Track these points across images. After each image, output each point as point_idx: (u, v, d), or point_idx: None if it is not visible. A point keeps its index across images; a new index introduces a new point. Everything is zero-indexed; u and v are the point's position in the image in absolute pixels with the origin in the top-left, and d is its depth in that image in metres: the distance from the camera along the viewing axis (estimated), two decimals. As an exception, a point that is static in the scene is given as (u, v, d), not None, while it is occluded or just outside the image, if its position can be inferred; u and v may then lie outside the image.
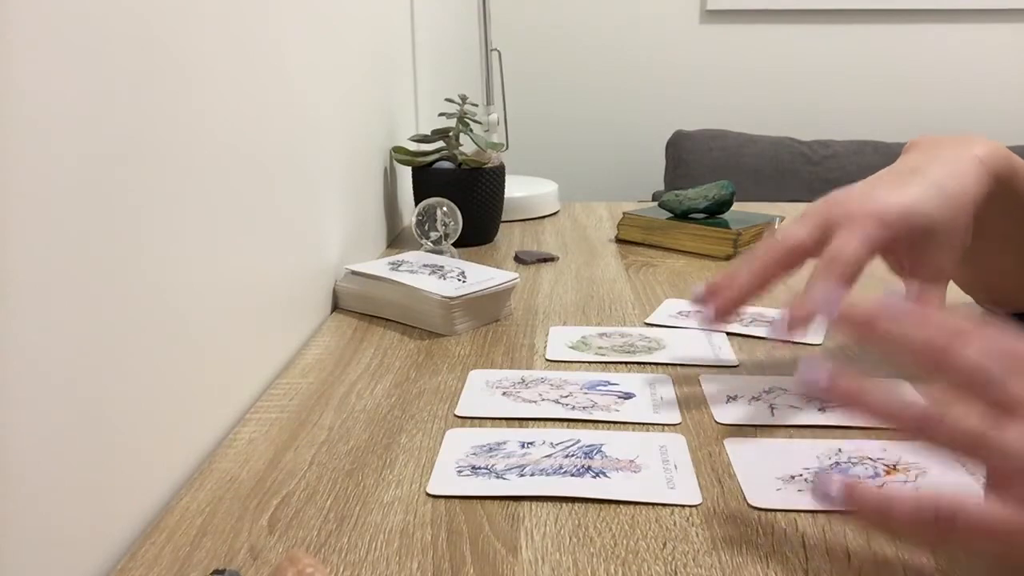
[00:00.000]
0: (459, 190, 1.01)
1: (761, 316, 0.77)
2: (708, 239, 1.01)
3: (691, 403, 0.59)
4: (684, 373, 0.65)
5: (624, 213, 1.08)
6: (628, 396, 0.60)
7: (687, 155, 2.34)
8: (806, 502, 0.46)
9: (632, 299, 0.84)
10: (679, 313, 0.79)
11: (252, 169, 0.61)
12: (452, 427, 0.56)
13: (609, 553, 0.42)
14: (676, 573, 0.40)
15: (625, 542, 0.43)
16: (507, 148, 1.23)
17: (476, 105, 1.11)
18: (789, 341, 0.44)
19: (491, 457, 0.51)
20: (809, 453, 0.52)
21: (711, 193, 1.05)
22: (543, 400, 0.59)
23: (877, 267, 0.56)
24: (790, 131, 2.53)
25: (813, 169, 2.29)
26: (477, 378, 0.64)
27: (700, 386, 0.62)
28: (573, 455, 0.51)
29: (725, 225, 1.01)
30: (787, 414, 0.57)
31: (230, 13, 0.57)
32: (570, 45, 2.54)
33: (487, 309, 0.76)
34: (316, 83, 0.77)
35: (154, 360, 0.47)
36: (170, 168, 0.48)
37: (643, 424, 0.56)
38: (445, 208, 0.92)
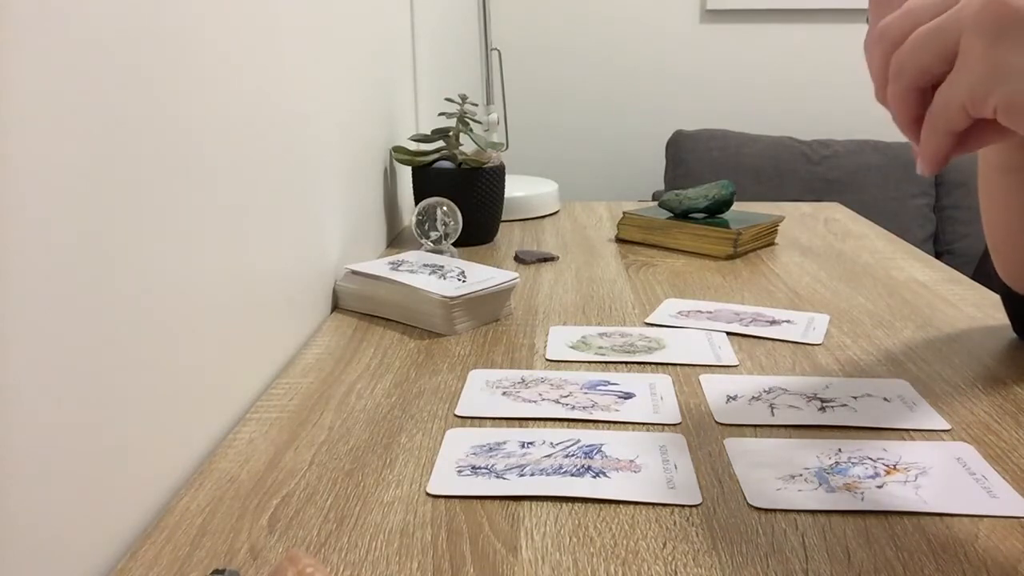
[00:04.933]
0: (459, 190, 1.01)
1: (761, 316, 0.77)
2: (708, 239, 1.01)
3: (691, 403, 0.59)
4: (684, 373, 0.65)
5: (624, 213, 1.08)
6: (628, 396, 0.60)
7: (687, 155, 2.34)
8: (806, 502, 0.46)
9: (632, 299, 0.84)
10: (679, 313, 0.79)
11: (252, 169, 0.61)
12: (452, 427, 0.56)
13: (609, 553, 0.42)
14: (676, 573, 0.40)
15: (625, 542, 0.43)
16: (507, 148, 1.23)
17: (476, 105, 1.11)
18: None
19: (491, 457, 0.51)
20: (809, 453, 0.52)
21: (711, 193, 1.05)
22: (543, 400, 0.59)
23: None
24: (790, 131, 2.53)
25: (813, 169, 2.29)
26: (477, 378, 0.64)
27: (700, 386, 0.62)
28: (573, 455, 0.51)
29: (725, 225, 1.01)
30: (787, 414, 0.57)
31: (230, 13, 0.57)
32: (570, 45, 2.54)
33: (487, 309, 0.76)
34: (316, 83, 0.77)
35: (154, 360, 0.47)
36: (170, 168, 0.48)
37: (643, 424, 0.56)
38: (445, 208, 0.92)
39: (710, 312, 0.79)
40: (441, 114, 1.08)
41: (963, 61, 0.39)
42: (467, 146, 1.09)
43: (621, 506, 0.46)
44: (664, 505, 0.46)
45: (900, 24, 0.42)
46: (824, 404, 0.59)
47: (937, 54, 0.40)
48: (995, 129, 0.42)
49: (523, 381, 0.63)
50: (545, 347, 0.70)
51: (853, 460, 0.51)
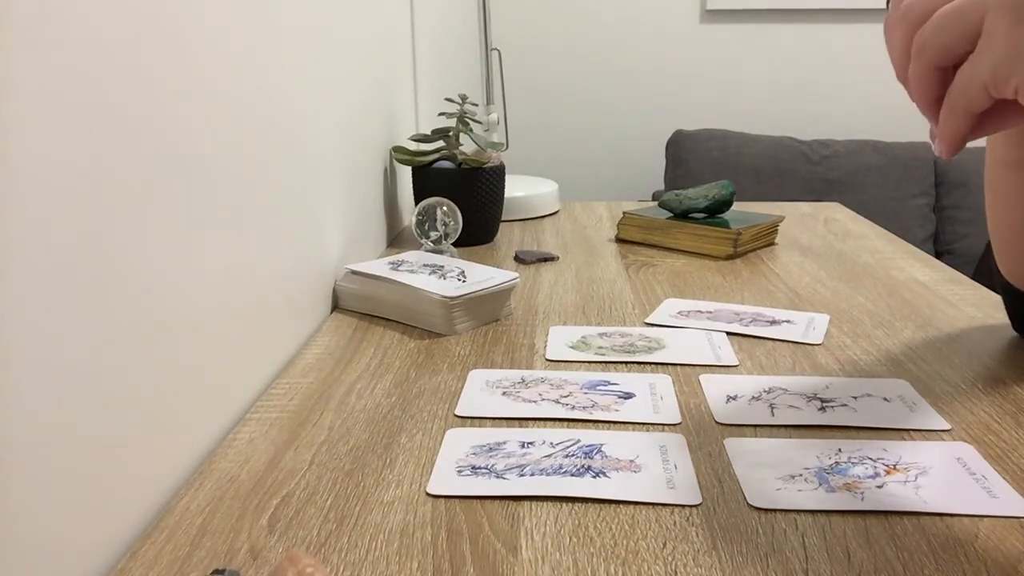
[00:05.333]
0: (459, 190, 1.01)
1: (761, 316, 0.77)
2: (708, 239, 1.01)
3: (691, 403, 0.59)
4: (684, 373, 0.65)
5: (624, 213, 1.08)
6: (628, 396, 0.60)
7: (687, 155, 2.34)
8: (806, 502, 0.46)
9: (632, 299, 0.84)
10: (679, 313, 0.79)
11: (252, 169, 0.61)
12: (452, 427, 0.56)
13: (609, 553, 0.42)
14: (676, 573, 0.40)
15: (625, 542, 0.43)
16: (507, 148, 1.23)
17: (476, 105, 1.11)
18: None
19: (491, 457, 0.51)
20: (809, 453, 0.52)
21: (711, 193, 1.05)
22: (543, 400, 0.59)
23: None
24: (790, 131, 2.53)
25: (813, 169, 2.29)
26: (477, 378, 0.64)
27: (700, 386, 0.62)
28: (573, 455, 0.51)
29: (725, 225, 1.01)
30: (787, 414, 0.57)
31: (230, 13, 0.57)
32: (570, 45, 2.54)
33: (487, 309, 0.76)
34: (316, 83, 0.77)
35: (154, 360, 0.47)
36: (170, 168, 0.48)
37: (643, 424, 0.56)
38: (445, 208, 0.92)
39: (710, 312, 0.79)
40: (441, 114, 1.08)
41: (986, 40, 0.39)
42: (467, 146, 1.09)
43: (621, 506, 0.46)
44: (664, 505, 0.46)
45: (923, 3, 0.42)
46: (824, 404, 0.59)
47: (960, 33, 0.40)
48: (1015, 111, 0.42)
49: (523, 381, 0.63)
50: (545, 347, 0.70)
51: (853, 460, 0.51)
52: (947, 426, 0.55)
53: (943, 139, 0.43)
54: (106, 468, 0.43)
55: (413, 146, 1.18)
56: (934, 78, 0.42)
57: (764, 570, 0.40)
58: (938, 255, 2.27)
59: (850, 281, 0.90)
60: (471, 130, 1.06)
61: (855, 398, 0.59)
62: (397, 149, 1.07)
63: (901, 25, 0.43)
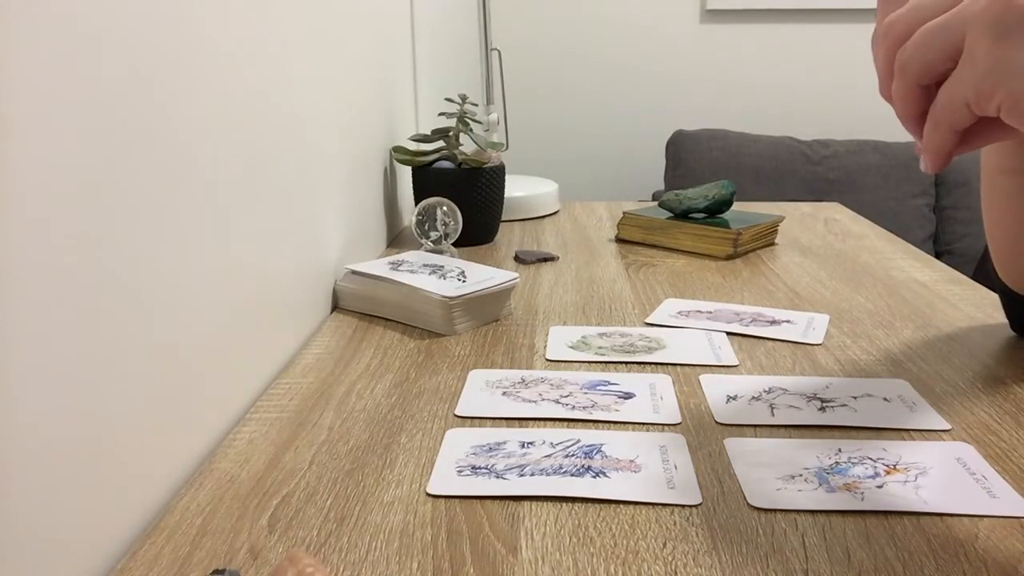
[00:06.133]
0: (459, 190, 1.01)
1: (761, 316, 0.77)
2: (708, 239, 1.01)
3: (691, 403, 0.59)
4: (684, 373, 0.65)
5: (624, 213, 1.08)
6: (628, 396, 0.60)
7: (687, 155, 2.34)
8: (806, 502, 0.46)
9: (632, 299, 0.84)
10: (679, 313, 0.79)
11: (252, 170, 0.61)
12: (452, 427, 0.56)
13: (609, 553, 0.42)
14: (676, 573, 0.40)
15: (625, 542, 0.43)
16: (507, 148, 1.23)
17: (476, 105, 1.11)
18: None
19: (491, 457, 0.51)
20: (809, 453, 0.52)
21: (711, 193, 1.05)
22: (543, 400, 0.59)
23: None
24: (790, 131, 2.53)
25: (813, 169, 2.29)
26: (477, 378, 0.64)
27: (700, 386, 0.62)
28: (573, 455, 0.51)
29: (725, 225, 1.01)
30: (787, 414, 0.57)
31: (230, 13, 0.57)
32: (570, 45, 2.54)
33: (487, 309, 0.76)
34: (316, 83, 0.77)
35: (154, 360, 0.47)
36: (171, 169, 0.48)
37: (643, 424, 0.56)
38: (445, 208, 0.92)
39: (710, 312, 0.79)
40: (441, 114, 1.08)
41: (968, 58, 0.39)
42: (467, 146, 1.09)
43: (621, 506, 0.46)
44: (664, 505, 0.46)
45: (906, 20, 0.42)
46: (824, 404, 0.59)
47: (942, 51, 0.40)
48: (999, 127, 0.42)
49: (523, 381, 0.63)
50: (545, 347, 0.70)
51: (853, 460, 0.51)
52: (947, 426, 0.55)
53: (928, 155, 0.43)
54: (106, 468, 0.43)
55: (413, 146, 1.18)
56: (917, 95, 0.42)
57: (764, 570, 0.40)
58: (938, 255, 2.27)
59: (850, 281, 0.90)
60: (471, 130, 1.06)
61: (855, 398, 0.59)
62: (397, 149, 1.07)
63: (884, 42, 0.43)
